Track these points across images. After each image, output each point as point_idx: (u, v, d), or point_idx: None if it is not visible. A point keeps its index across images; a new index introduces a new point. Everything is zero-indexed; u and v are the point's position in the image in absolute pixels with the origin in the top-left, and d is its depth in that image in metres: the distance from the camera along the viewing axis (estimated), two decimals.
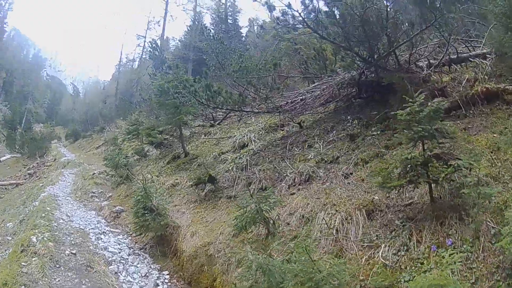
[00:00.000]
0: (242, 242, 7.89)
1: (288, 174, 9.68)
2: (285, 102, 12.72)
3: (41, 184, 21.12)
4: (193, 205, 11.15)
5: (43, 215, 11.33)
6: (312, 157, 9.97)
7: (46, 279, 7.14)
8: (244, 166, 11.52)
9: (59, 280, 7.28)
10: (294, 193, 8.78)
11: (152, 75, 20.62)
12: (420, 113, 5.55)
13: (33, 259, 7.69)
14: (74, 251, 8.83)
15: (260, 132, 13.98)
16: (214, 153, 14.34)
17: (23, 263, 7.47)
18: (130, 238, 11.23)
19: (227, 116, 18.23)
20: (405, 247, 5.59)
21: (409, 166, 5.75)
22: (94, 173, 20.62)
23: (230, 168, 11.83)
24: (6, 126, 47.43)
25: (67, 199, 15.63)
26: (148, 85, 29.57)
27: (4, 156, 40.48)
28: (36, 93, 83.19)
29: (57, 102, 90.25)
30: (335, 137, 10.36)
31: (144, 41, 55.46)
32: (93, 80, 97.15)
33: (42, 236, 9.03)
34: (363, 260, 5.84)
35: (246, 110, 13.27)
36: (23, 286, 6.70)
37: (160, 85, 14.93)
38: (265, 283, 5.06)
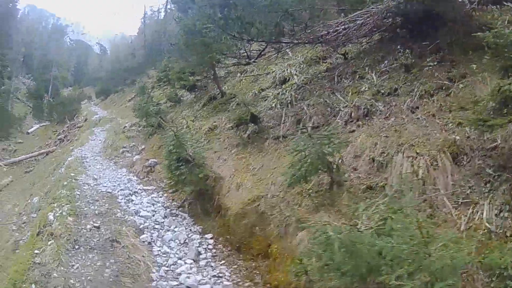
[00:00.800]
0: (300, 194, 6.62)
1: (342, 109, 8.36)
2: (326, 32, 11.13)
3: (71, 147, 20.58)
4: (236, 150, 9.94)
5: (65, 183, 10.29)
6: (366, 89, 8.56)
7: (62, 268, 5.92)
8: (289, 102, 10.12)
9: (77, 267, 6.06)
10: (354, 130, 7.56)
11: (178, 18, 19.25)
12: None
13: (49, 242, 6.57)
14: (97, 224, 7.69)
15: (301, 66, 12.25)
16: (253, 91, 12.99)
17: (36, 251, 6.35)
18: (165, 195, 10.17)
19: (262, 52, 16.85)
20: (507, 206, 4.25)
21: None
22: (125, 126, 19.90)
23: (273, 105, 10.52)
24: (31, 97, 47.32)
25: (96, 159, 14.94)
26: (175, 32, 28.23)
27: (32, 127, 40.18)
28: (60, 59, 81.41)
29: (84, 64, 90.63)
30: (387, 68, 8.89)
31: None
32: (120, 37, 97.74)
33: (60, 211, 7.92)
34: (463, 224, 4.47)
35: (284, 41, 11.93)
36: (33, 285, 5.52)
37: (185, 25, 13.90)
38: (348, 266, 3.66)
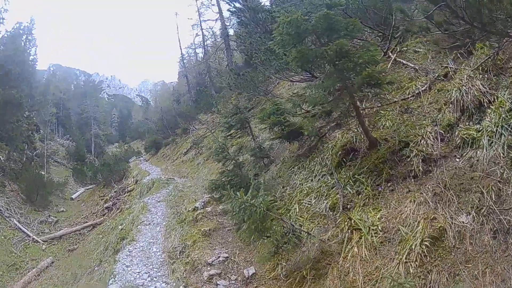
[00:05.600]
0: None
1: None
2: None
3: (120, 226, 15.56)
4: None
5: None
6: None
7: None
8: None
9: None
10: None
11: (245, 34, 13.50)
12: None
13: None
14: None
15: (481, 76, 7.29)
16: (425, 130, 7.31)
17: None
18: None
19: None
20: None
21: None
22: (196, 207, 12.43)
23: None
24: (73, 159, 45.19)
25: None
26: (220, 70, 23.41)
27: (77, 191, 36.21)
28: (99, 116, 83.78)
29: (127, 118, 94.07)
30: None
31: (201, 28, 52.22)
32: (160, 85, 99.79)
33: None
34: None
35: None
36: None
37: (290, 21, 7.24)
38: None
